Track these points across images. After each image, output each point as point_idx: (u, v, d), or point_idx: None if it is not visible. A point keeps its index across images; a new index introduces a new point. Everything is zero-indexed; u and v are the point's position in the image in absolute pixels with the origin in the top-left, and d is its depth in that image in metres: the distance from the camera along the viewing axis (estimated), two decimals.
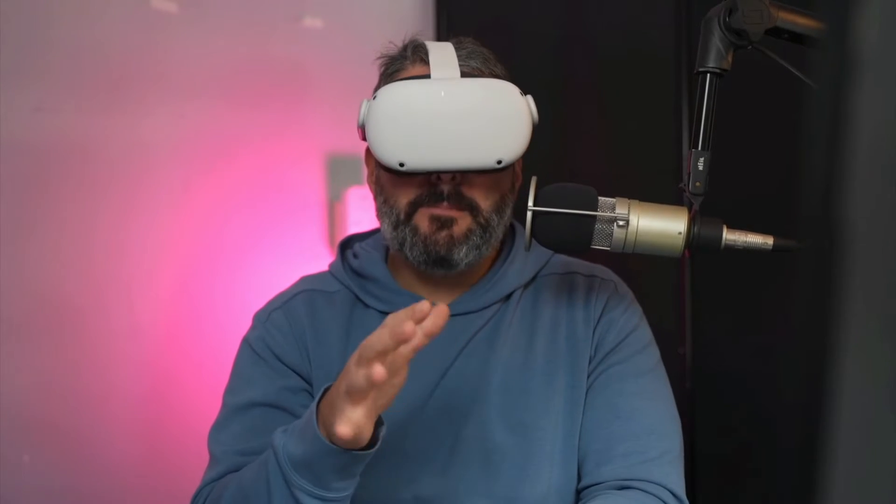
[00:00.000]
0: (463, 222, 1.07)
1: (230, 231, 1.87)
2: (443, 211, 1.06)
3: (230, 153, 1.88)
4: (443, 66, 1.04)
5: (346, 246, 1.21)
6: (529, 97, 1.06)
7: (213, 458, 1.09)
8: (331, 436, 0.88)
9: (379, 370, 0.82)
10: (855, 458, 0.37)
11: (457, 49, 1.08)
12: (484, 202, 1.07)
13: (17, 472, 1.64)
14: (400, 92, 1.03)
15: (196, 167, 1.84)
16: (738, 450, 1.55)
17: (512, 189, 1.13)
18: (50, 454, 1.68)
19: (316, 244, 1.96)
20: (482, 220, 1.07)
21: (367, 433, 0.89)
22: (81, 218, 1.73)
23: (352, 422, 0.86)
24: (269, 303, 1.18)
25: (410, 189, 1.07)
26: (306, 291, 1.17)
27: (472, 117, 1.01)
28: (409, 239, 1.07)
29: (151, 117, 1.79)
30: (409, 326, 0.83)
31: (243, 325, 1.18)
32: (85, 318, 1.72)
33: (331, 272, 1.19)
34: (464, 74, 1.05)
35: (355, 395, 0.85)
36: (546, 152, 1.73)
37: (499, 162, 1.02)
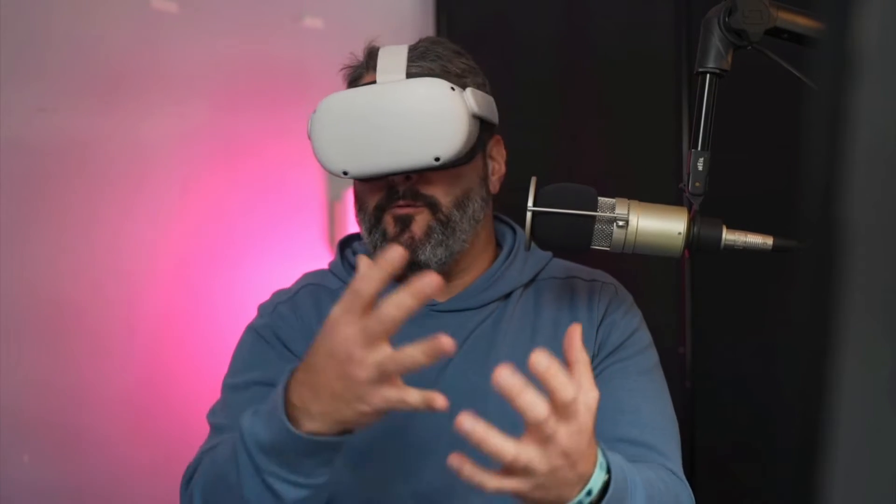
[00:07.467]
0: (421, 219, 1.08)
1: (230, 231, 1.87)
2: (400, 210, 1.08)
3: (230, 153, 1.88)
4: (387, 71, 1.05)
5: (346, 245, 1.23)
6: (468, 91, 1.06)
7: (211, 429, 1.09)
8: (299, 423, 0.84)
9: (440, 400, 0.79)
10: (855, 458, 0.37)
11: (411, 50, 1.09)
12: (444, 198, 1.08)
13: (17, 472, 1.64)
14: (335, 102, 1.05)
15: (196, 167, 1.84)
16: (737, 449, 1.55)
17: (483, 182, 1.13)
18: (50, 454, 1.68)
19: (316, 244, 1.96)
20: (442, 217, 1.08)
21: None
22: (81, 217, 1.72)
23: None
24: (274, 296, 1.19)
25: (375, 193, 1.09)
26: (311, 285, 1.18)
27: (403, 119, 1.02)
28: (379, 244, 1.09)
29: (151, 117, 1.79)
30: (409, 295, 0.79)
31: (243, 324, 1.18)
32: (85, 317, 1.72)
33: (331, 270, 1.20)
34: (411, 76, 1.05)
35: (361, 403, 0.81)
36: (546, 152, 1.73)
37: (437, 159, 1.02)
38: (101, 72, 1.74)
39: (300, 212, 1.95)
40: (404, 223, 1.08)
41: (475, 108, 1.05)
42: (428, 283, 0.77)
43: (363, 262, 0.83)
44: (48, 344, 1.69)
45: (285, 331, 1.13)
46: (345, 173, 1.04)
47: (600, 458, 0.82)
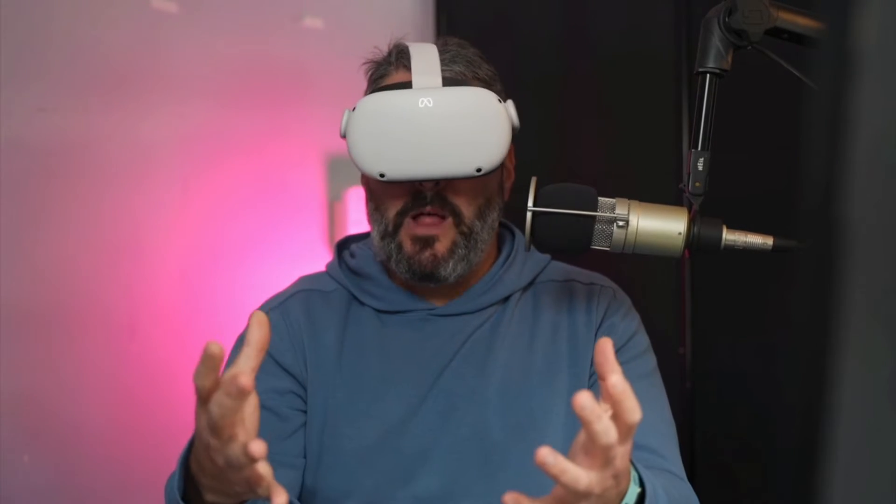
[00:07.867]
0: (445, 238, 1.07)
1: (230, 231, 1.87)
2: (424, 230, 1.07)
3: (230, 153, 1.88)
4: (424, 73, 1.04)
5: (343, 246, 1.23)
6: (509, 103, 1.06)
7: None
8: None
9: (255, 447, 0.73)
10: (855, 458, 0.37)
11: (441, 52, 1.08)
12: (467, 208, 1.07)
13: (17, 472, 1.64)
14: (378, 103, 1.03)
15: (196, 167, 1.84)
16: (737, 450, 1.55)
17: (500, 190, 1.13)
18: (50, 454, 1.68)
19: (316, 244, 1.96)
20: (465, 229, 1.08)
21: None
22: (81, 217, 1.72)
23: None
24: (266, 303, 1.18)
25: (397, 197, 1.07)
26: (303, 291, 1.17)
27: (450, 127, 1.01)
28: (394, 255, 1.08)
29: (151, 117, 1.79)
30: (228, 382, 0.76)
31: (243, 324, 1.18)
32: (85, 317, 1.72)
33: (328, 272, 1.19)
34: (446, 80, 1.04)
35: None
36: (546, 152, 1.73)
37: (478, 170, 1.02)
38: (101, 72, 1.74)
39: (300, 212, 1.95)
40: (425, 242, 1.07)
41: (514, 121, 1.05)
42: (242, 383, 0.73)
43: (254, 323, 0.80)
44: (48, 344, 1.69)
45: (274, 342, 1.11)
46: (381, 175, 1.02)
47: (633, 473, 0.82)
